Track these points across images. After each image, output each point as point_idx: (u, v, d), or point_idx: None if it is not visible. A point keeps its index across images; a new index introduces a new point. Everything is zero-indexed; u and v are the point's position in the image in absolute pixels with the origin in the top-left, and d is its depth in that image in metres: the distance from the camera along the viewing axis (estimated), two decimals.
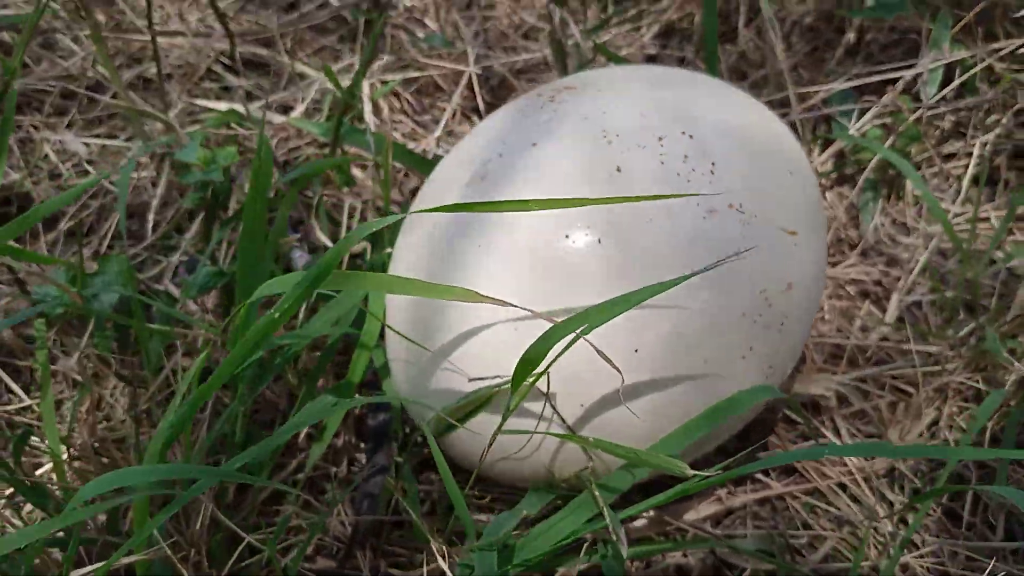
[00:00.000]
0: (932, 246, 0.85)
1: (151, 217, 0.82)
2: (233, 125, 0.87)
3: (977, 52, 0.91)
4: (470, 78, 0.98)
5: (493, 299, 0.47)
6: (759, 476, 0.72)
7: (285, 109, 0.96)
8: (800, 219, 0.59)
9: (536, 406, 0.53)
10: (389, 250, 0.69)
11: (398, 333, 0.58)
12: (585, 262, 0.53)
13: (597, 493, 0.51)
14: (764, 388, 0.57)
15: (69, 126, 0.94)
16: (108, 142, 0.91)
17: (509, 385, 0.49)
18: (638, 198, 0.47)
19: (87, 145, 0.90)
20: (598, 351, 0.47)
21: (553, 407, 0.52)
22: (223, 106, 0.90)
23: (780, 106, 0.96)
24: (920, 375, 0.74)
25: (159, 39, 0.99)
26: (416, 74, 0.99)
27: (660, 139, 0.56)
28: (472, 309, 0.53)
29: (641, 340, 0.53)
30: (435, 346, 0.56)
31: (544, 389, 0.51)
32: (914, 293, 0.83)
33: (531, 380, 0.47)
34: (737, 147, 0.58)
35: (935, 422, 0.74)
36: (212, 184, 0.63)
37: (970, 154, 0.94)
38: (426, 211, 0.52)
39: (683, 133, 0.57)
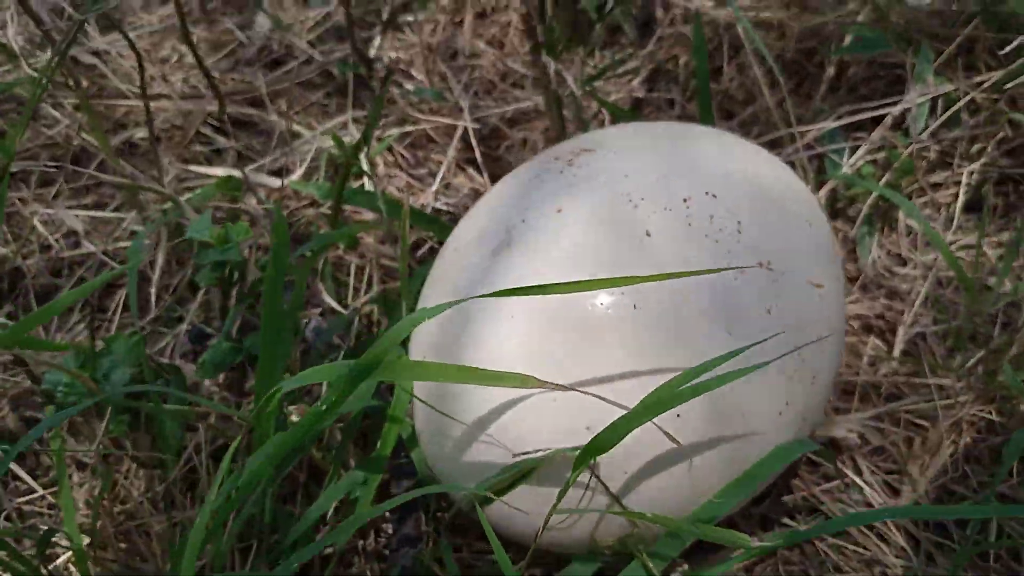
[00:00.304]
0: (931, 277, 0.86)
1: (153, 290, 0.80)
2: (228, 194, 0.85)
3: (960, 85, 0.93)
4: (464, 130, 0.98)
5: (552, 384, 0.46)
6: (786, 520, 0.72)
7: (279, 170, 0.95)
8: (824, 270, 0.60)
9: (581, 475, 0.53)
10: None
11: (432, 408, 0.57)
12: (621, 327, 0.53)
13: (650, 564, 0.50)
14: (802, 443, 0.57)
15: (57, 196, 0.92)
16: (100, 214, 0.89)
17: (553, 457, 0.49)
18: (672, 274, 0.48)
19: (78, 216, 0.88)
20: (667, 435, 0.47)
21: (600, 479, 0.52)
22: (218, 171, 0.89)
23: (771, 146, 0.97)
24: (937, 409, 0.75)
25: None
26: (410, 128, 0.99)
27: (685, 200, 0.57)
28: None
29: (683, 405, 0.53)
30: (469, 418, 0.56)
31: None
32: (917, 325, 0.84)
33: (592, 460, 0.47)
34: (759, 203, 0.59)
35: (951, 454, 0.75)
36: (228, 263, 0.62)
37: (958, 183, 0.96)
38: (465, 300, 0.51)
39: (706, 193, 0.57)
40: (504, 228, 0.58)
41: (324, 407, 0.44)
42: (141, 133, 0.96)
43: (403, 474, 0.69)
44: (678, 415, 0.53)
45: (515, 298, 0.56)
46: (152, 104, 0.99)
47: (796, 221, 0.60)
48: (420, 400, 0.59)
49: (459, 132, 0.97)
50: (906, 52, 0.95)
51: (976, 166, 0.95)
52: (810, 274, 0.58)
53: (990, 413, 0.76)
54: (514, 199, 0.61)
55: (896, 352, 0.82)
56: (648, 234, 0.55)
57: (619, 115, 0.90)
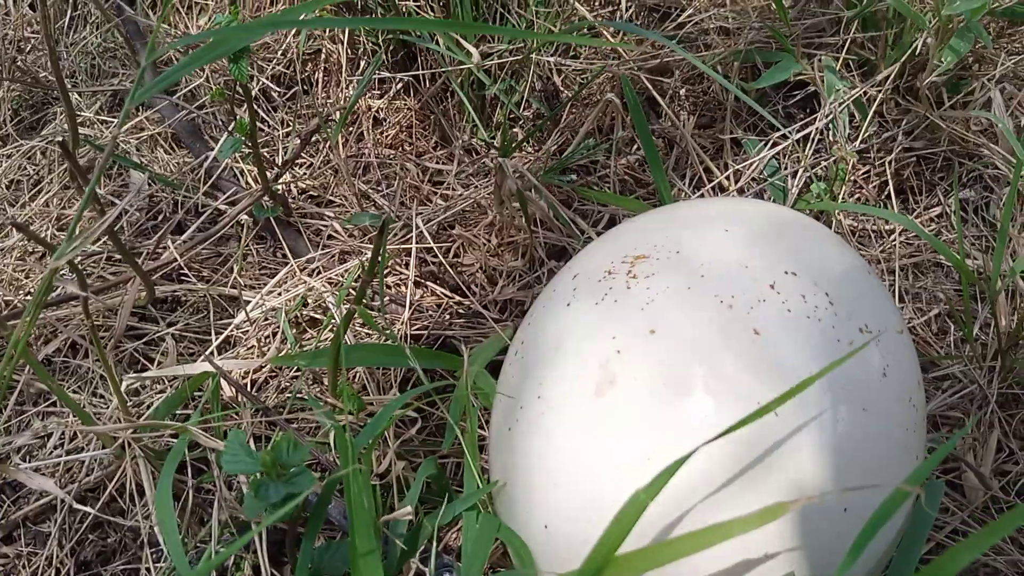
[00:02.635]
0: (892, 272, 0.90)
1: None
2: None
3: (863, 87, 0.98)
4: (412, 244, 0.92)
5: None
6: None
7: (227, 341, 0.85)
8: (893, 313, 0.60)
9: None
10: None
11: None
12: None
13: None
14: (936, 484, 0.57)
15: None
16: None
17: None
18: (802, 385, 0.46)
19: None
20: None
21: None
22: (178, 369, 0.78)
23: (717, 191, 0.98)
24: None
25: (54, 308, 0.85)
26: (350, 258, 0.92)
27: (772, 286, 0.55)
28: None
29: (851, 496, 0.51)
30: None
31: None
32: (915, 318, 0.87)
33: None
34: (830, 267, 0.58)
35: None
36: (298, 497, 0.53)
37: (881, 174, 1.01)
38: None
39: (786, 272, 0.56)
40: (598, 363, 0.54)
41: None
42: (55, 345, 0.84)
43: None
44: (845, 509, 0.51)
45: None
46: (56, 310, 0.87)
47: (859, 276, 0.60)
48: None
49: (414, 251, 0.91)
50: (813, 67, 0.99)
51: (893, 156, 1.00)
52: (892, 324, 0.58)
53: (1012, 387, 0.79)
54: (587, 327, 0.56)
55: None
56: (756, 332, 0.52)
57: (594, 198, 0.88)
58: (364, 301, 0.87)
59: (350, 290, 0.86)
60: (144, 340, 0.85)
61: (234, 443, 0.57)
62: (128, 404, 0.75)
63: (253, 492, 0.54)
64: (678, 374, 0.52)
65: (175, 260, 0.89)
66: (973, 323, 0.84)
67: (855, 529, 0.51)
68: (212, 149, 1.02)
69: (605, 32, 1.02)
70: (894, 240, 0.96)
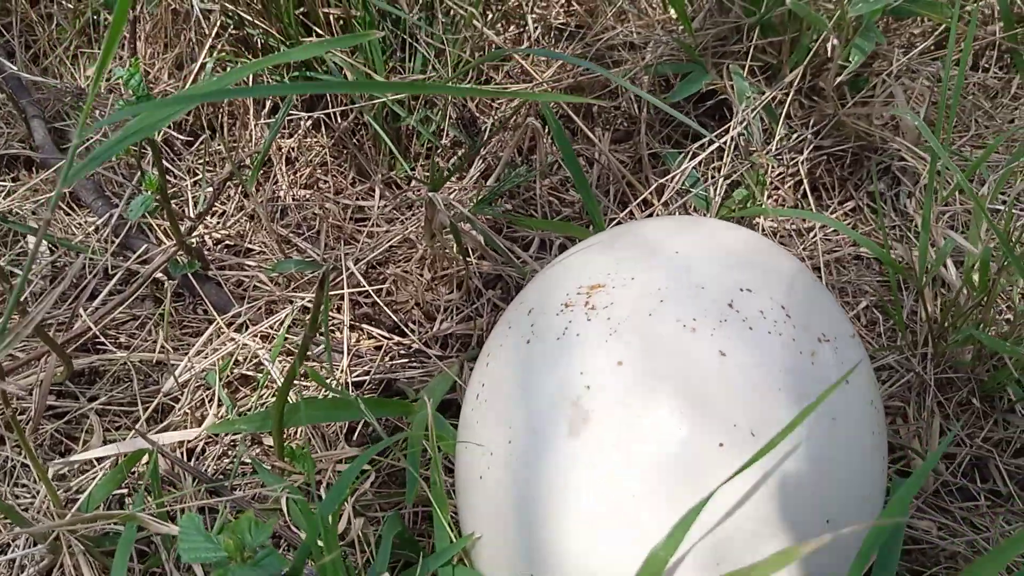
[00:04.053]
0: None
1: None
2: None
3: (771, 91, 1.00)
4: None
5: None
6: None
7: (157, 410, 0.80)
8: (843, 318, 0.61)
9: None
10: None
11: None
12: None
13: None
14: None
15: None
16: None
17: None
18: (806, 411, 0.46)
19: None
20: None
21: None
22: (106, 450, 0.73)
23: (621, 204, 0.98)
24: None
25: None
26: (282, 309, 0.88)
27: (731, 305, 0.55)
28: None
29: (833, 508, 0.51)
30: None
31: None
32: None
33: None
34: (780, 279, 0.58)
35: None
36: None
37: (795, 174, 1.04)
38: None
39: (742, 290, 0.56)
40: (568, 403, 0.53)
41: None
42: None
43: None
44: (827, 520, 0.51)
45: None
46: None
47: (809, 285, 0.60)
48: None
49: (347, 296, 0.88)
50: (723, 76, 1.01)
51: (804, 155, 1.03)
52: (846, 329, 0.59)
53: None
54: (557, 366, 0.55)
55: None
56: (723, 353, 0.52)
57: (531, 226, 0.87)
58: (295, 348, 0.84)
59: (285, 344, 0.82)
60: (64, 419, 0.79)
61: (189, 528, 0.53)
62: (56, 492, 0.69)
63: None
64: (652, 405, 0.51)
65: (90, 329, 0.83)
66: (901, 312, 0.87)
67: (842, 541, 0.51)
68: (115, 206, 0.96)
69: (519, 58, 1.02)
70: (815, 237, 0.98)
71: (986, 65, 1.16)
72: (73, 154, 0.47)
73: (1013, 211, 0.83)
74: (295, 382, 0.82)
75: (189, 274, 0.89)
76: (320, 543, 0.53)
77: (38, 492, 0.72)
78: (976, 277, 0.77)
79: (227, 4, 0.98)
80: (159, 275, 0.91)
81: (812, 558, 0.50)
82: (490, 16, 1.05)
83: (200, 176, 1.00)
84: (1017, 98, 1.14)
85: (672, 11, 1.05)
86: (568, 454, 0.52)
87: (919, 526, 0.72)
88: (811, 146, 1.03)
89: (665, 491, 0.49)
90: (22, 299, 0.89)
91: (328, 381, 0.74)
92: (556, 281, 0.61)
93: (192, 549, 0.52)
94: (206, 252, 0.94)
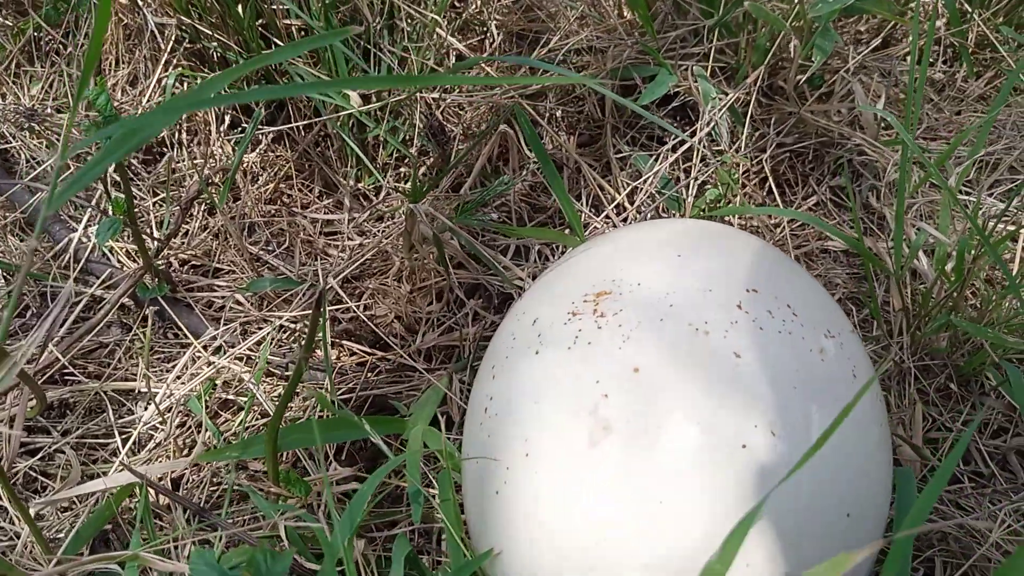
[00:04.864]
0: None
1: None
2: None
3: (735, 92, 1.02)
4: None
5: None
6: None
7: (134, 441, 0.77)
8: (840, 313, 0.62)
9: None
10: None
11: None
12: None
13: None
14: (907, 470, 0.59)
15: None
16: None
17: None
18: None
19: None
20: None
21: None
22: (92, 485, 0.69)
23: (593, 208, 0.99)
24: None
25: None
26: (261, 330, 0.85)
27: (739, 306, 0.55)
28: None
29: (852, 503, 0.52)
30: None
31: None
32: None
33: None
34: (780, 278, 0.59)
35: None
36: None
37: (759, 171, 1.05)
38: None
39: (747, 290, 0.56)
40: (586, 413, 0.52)
41: None
42: None
43: None
44: (848, 514, 0.52)
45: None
46: None
47: (808, 283, 0.61)
48: None
49: (325, 309, 0.86)
50: (687, 78, 1.02)
51: (768, 153, 1.05)
52: (843, 321, 0.60)
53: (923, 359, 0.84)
54: (573, 377, 0.54)
55: None
56: (737, 355, 0.53)
57: (518, 234, 0.86)
58: (278, 370, 0.82)
59: (269, 367, 0.80)
60: (38, 456, 0.76)
61: (199, 564, 0.51)
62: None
63: None
64: (673, 410, 0.51)
65: (58, 360, 0.80)
66: (876, 303, 0.89)
67: (862, 532, 0.52)
68: (73, 230, 0.92)
69: (487, 68, 1.01)
70: (783, 233, 1.00)
71: (932, 60, 1.20)
72: (57, 177, 0.45)
73: (981, 202, 0.86)
74: (275, 401, 0.80)
75: (159, 297, 0.86)
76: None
77: (18, 535, 0.69)
78: (950, 267, 0.79)
79: (183, 17, 0.95)
80: (125, 300, 0.87)
81: (834, 549, 0.51)
82: (450, 24, 1.04)
83: (163, 195, 0.96)
84: (962, 91, 1.18)
85: (629, 13, 1.06)
86: (590, 465, 0.51)
87: None
88: (774, 144, 1.05)
89: (692, 496, 0.49)
90: None
91: (336, 404, 0.72)
92: (558, 290, 0.61)
93: None
94: (172, 274, 0.91)
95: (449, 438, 0.73)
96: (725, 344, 0.53)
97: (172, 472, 0.73)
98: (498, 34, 1.06)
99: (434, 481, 0.71)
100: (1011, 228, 0.88)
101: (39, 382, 0.79)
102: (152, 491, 0.69)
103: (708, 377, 0.52)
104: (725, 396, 0.51)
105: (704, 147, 0.99)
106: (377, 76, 0.86)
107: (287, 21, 0.96)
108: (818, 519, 0.50)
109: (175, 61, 1.00)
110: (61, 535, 0.70)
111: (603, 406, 0.52)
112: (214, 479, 0.75)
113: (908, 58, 1.14)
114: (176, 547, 0.66)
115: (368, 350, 0.86)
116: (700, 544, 0.48)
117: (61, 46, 1.07)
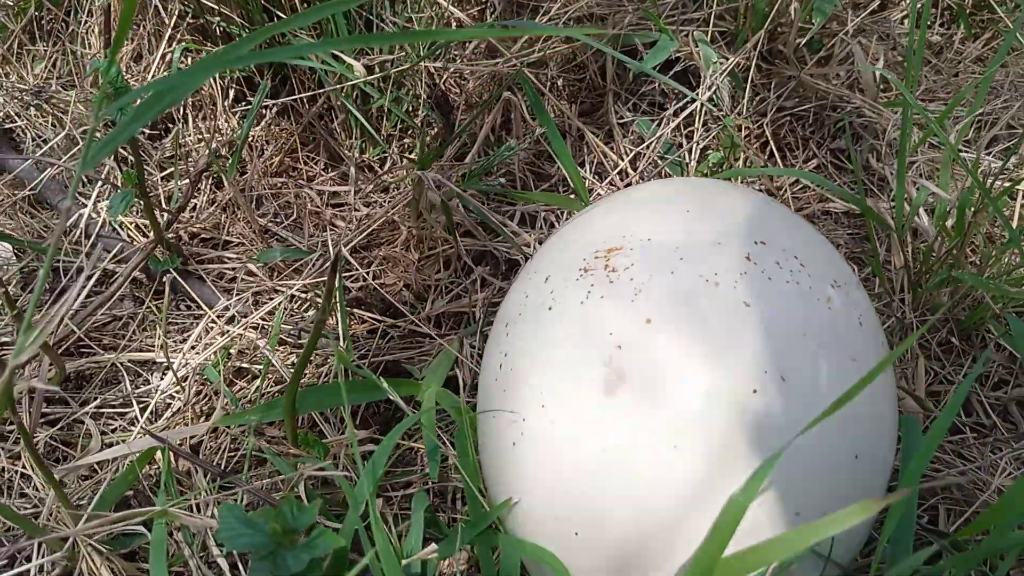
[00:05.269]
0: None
1: None
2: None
3: (735, 56, 1.03)
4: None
5: None
6: None
7: (152, 410, 0.79)
8: (846, 264, 0.63)
9: None
10: None
11: None
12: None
13: None
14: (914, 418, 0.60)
15: None
16: None
17: None
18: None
19: None
20: None
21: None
22: (109, 452, 0.71)
23: (596, 175, 1.00)
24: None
25: None
26: (271, 299, 0.86)
27: (748, 258, 0.56)
28: None
29: (860, 444, 0.53)
30: None
31: None
32: None
33: None
34: (786, 230, 0.60)
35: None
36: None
37: (760, 135, 1.06)
38: None
39: (756, 243, 0.57)
40: (601, 363, 0.54)
41: None
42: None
43: None
44: (857, 456, 0.54)
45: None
46: None
47: (812, 234, 0.62)
48: None
49: (338, 278, 0.87)
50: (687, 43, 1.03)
51: (769, 117, 1.06)
52: (848, 272, 0.61)
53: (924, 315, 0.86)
54: (585, 329, 0.56)
55: None
56: (747, 304, 0.54)
57: (527, 199, 0.87)
58: (290, 339, 0.83)
59: (281, 335, 0.81)
60: (58, 426, 0.77)
61: (228, 517, 0.53)
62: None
63: (268, 564, 0.50)
64: (686, 358, 0.52)
65: (74, 332, 0.81)
66: (879, 261, 0.90)
67: (869, 474, 0.53)
68: (83, 206, 0.93)
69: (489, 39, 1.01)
70: (785, 195, 1.01)
71: (929, 22, 1.20)
72: (91, 136, 0.46)
73: (981, 158, 0.87)
74: (290, 368, 0.81)
75: (172, 270, 0.87)
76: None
77: (42, 501, 0.70)
78: (950, 223, 0.80)
79: None
80: (137, 274, 0.88)
81: (841, 489, 0.53)
82: None
83: (170, 170, 0.97)
84: (960, 52, 1.18)
85: None
86: (606, 412, 0.53)
87: None
88: (774, 108, 1.06)
89: (706, 440, 0.51)
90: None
91: (357, 365, 0.74)
92: (568, 248, 0.62)
93: (235, 537, 0.51)
94: (182, 247, 0.92)
95: (464, 399, 0.74)
96: (735, 294, 0.54)
97: (192, 437, 0.74)
98: (499, 2, 1.07)
99: (447, 441, 0.72)
100: (1007, 185, 0.89)
101: (59, 353, 0.80)
102: (173, 456, 0.70)
103: (719, 326, 0.53)
104: (736, 344, 0.52)
105: (706, 112, 1.00)
106: (381, 35, 0.87)
107: None
108: (826, 460, 0.52)
109: (179, 36, 1.00)
110: (84, 502, 0.71)
111: (617, 357, 0.54)
112: (232, 444, 0.77)
113: (906, 21, 1.15)
114: (196, 509, 0.67)
115: (379, 317, 0.87)
116: (716, 485, 0.50)
117: (63, 24, 1.08)
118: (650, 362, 0.53)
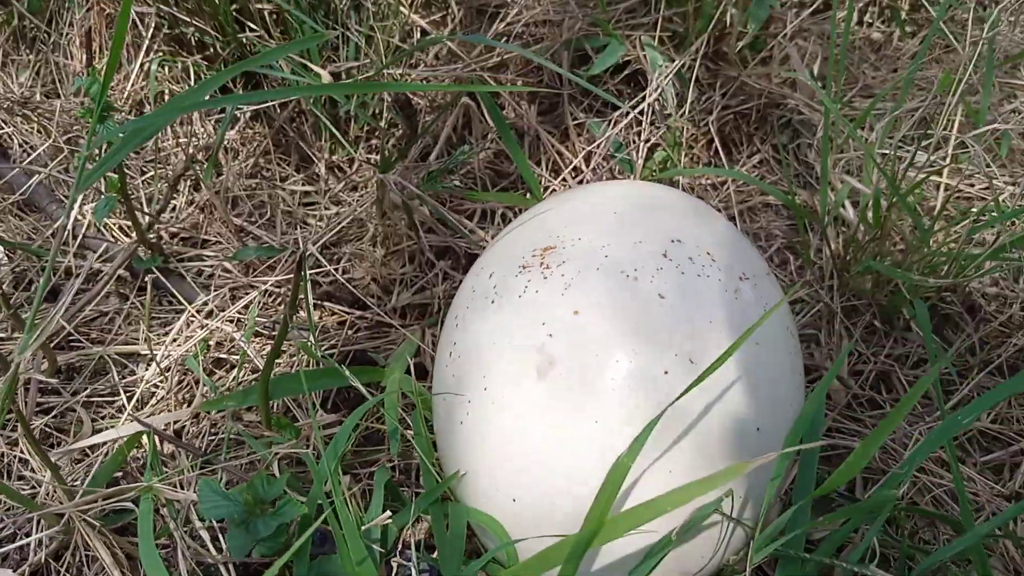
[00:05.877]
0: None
1: None
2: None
3: (680, 59, 1.09)
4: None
5: None
6: None
7: (138, 399, 0.85)
8: (758, 258, 0.70)
9: None
10: None
11: None
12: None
13: None
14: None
15: None
16: None
17: None
18: (739, 341, 0.54)
19: None
20: None
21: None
22: (96, 438, 0.78)
23: (553, 172, 1.06)
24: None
25: None
26: (247, 295, 0.93)
27: (665, 255, 0.63)
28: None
29: (763, 418, 0.61)
30: None
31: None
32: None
33: None
34: (704, 229, 0.67)
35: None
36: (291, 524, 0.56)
37: (706, 133, 1.13)
38: None
39: (672, 241, 0.64)
40: (535, 348, 0.61)
41: None
42: None
43: None
44: (758, 428, 0.61)
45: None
46: None
47: (726, 230, 0.69)
48: None
49: (305, 273, 0.93)
50: (636, 46, 1.09)
51: (714, 116, 1.13)
52: (759, 265, 0.68)
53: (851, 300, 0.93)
54: (523, 320, 0.63)
55: None
56: (661, 296, 0.61)
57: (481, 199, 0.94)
58: (265, 331, 0.90)
59: (256, 327, 0.88)
60: (51, 414, 0.84)
61: (207, 491, 0.60)
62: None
63: (242, 531, 0.57)
64: (606, 344, 0.59)
65: (63, 328, 0.88)
66: (809, 251, 0.98)
67: (770, 445, 0.61)
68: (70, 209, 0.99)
69: (451, 45, 1.08)
70: (728, 190, 1.08)
71: (869, 20, 1.27)
72: (84, 161, 0.53)
73: (898, 154, 0.95)
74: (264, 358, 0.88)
75: (154, 268, 0.94)
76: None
77: (40, 482, 0.77)
78: (870, 215, 0.87)
79: (161, 6, 1.02)
80: (121, 272, 0.95)
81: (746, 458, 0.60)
82: (414, 1, 1.11)
83: (151, 174, 1.03)
84: (899, 50, 1.26)
85: None
86: (539, 393, 0.60)
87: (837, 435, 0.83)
88: (719, 107, 1.13)
89: (622, 415, 0.58)
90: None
91: (321, 356, 0.81)
92: (512, 247, 0.69)
93: (212, 508, 0.58)
94: (163, 246, 0.98)
95: (423, 384, 0.82)
96: (651, 287, 0.61)
97: (175, 422, 0.81)
98: (459, 10, 1.13)
99: (410, 422, 0.79)
100: (921, 177, 0.97)
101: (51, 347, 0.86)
102: (158, 439, 0.77)
103: (636, 315, 0.60)
104: (650, 331, 0.60)
105: (653, 112, 1.07)
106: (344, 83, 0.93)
107: (259, 5, 1.03)
108: (731, 433, 0.59)
109: (155, 47, 1.06)
110: (77, 482, 0.78)
111: (548, 344, 0.61)
112: (212, 429, 0.83)
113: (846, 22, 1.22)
114: (182, 486, 0.74)
115: (347, 310, 0.94)
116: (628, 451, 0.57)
117: (45, 34, 1.13)
118: (576, 349, 0.60)
